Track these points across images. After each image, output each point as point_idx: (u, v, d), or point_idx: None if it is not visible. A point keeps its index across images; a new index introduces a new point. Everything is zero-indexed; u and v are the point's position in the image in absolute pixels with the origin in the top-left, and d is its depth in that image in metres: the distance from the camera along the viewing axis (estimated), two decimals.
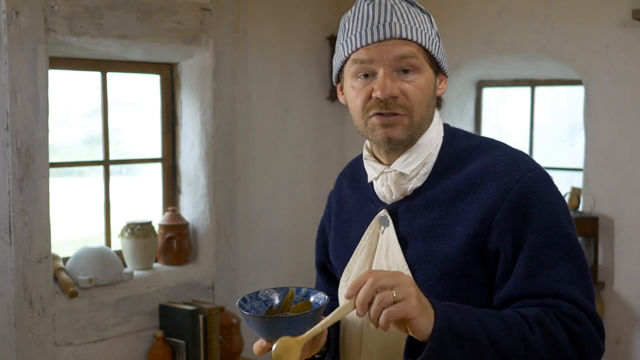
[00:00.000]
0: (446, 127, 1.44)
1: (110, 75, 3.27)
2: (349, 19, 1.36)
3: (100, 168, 3.28)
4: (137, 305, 3.17)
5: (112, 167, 3.31)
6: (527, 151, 4.00)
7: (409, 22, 1.32)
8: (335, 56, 1.41)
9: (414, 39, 1.31)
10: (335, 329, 1.46)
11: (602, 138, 3.43)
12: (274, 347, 1.18)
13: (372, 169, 1.42)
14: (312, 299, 1.36)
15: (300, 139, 3.86)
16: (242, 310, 1.29)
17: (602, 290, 3.47)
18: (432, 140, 1.38)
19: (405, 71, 1.32)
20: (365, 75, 1.33)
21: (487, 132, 4.25)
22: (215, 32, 3.34)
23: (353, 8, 1.37)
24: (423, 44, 1.32)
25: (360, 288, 1.16)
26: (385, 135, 1.33)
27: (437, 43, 1.36)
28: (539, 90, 4.06)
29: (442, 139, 1.40)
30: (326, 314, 1.40)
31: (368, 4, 1.34)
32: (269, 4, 3.65)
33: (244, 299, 1.34)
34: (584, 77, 3.47)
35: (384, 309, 1.14)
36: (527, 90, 4.08)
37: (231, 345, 3.28)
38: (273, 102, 3.72)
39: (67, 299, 2.92)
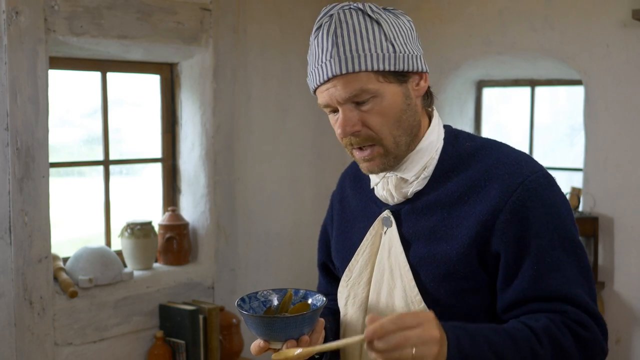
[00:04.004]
0: (448, 128, 1.43)
1: (110, 75, 3.27)
2: (308, 52, 1.36)
3: (100, 168, 3.28)
4: (137, 305, 3.17)
5: (112, 167, 3.31)
6: (527, 151, 4.00)
7: (351, 51, 1.27)
8: None
9: (356, 69, 1.27)
10: (332, 332, 1.46)
11: (602, 138, 3.43)
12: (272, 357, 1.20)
13: (373, 174, 1.42)
14: (310, 300, 1.36)
15: (300, 139, 3.86)
16: (240, 310, 1.29)
17: (602, 290, 3.47)
18: (432, 144, 1.37)
19: (363, 101, 1.29)
20: (333, 111, 1.34)
21: (487, 132, 4.25)
22: (215, 32, 3.34)
23: (310, 38, 1.35)
24: (370, 69, 1.27)
25: (383, 332, 1.09)
26: (367, 169, 1.36)
27: (391, 55, 1.29)
28: (539, 90, 4.06)
29: (442, 141, 1.39)
30: (324, 315, 1.40)
31: (315, 38, 1.32)
32: (269, 4, 3.65)
33: (242, 299, 1.34)
34: (584, 77, 3.47)
35: None
36: (527, 90, 4.08)
37: (231, 345, 3.28)
38: (273, 102, 3.72)
39: (67, 299, 2.92)
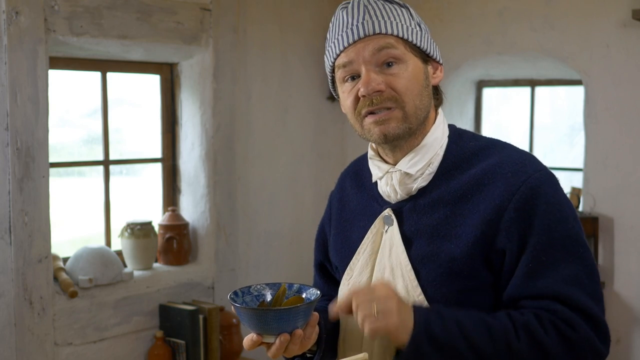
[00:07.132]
0: (452, 127, 1.43)
1: (110, 75, 3.27)
2: (330, 29, 1.39)
3: (100, 168, 3.28)
4: (137, 305, 3.17)
5: (112, 167, 3.31)
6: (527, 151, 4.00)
7: (382, 18, 1.32)
8: (326, 67, 1.42)
9: (389, 31, 1.31)
10: (326, 330, 1.45)
11: (602, 138, 3.43)
12: None
13: (377, 169, 1.42)
14: (304, 294, 1.35)
15: (300, 139, 3.86)
16: (233, 303, 1.28)
17: (602, 290, 3.46)
18: (437, 140, 1.38)
19: (389, 64, 1.32)
20: (352, 78, 1.34)
21: (487, 132, 4.25)
22: (215, 32, 3.34)
23: (333, 19, 1.39)
24: (399, 35, 1.32)
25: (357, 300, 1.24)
26: (381, 132, 1.33)
27: (418, 32, 1.35)
28: (539, 90, 4.06)
29: (447, 139, 1.40)
30: (317, 309, 1.39)
31: (342, 11, 1.36)
32: (269, 4, 3.65)
33: (235, 293, 1.32)
34: (584, 77, 3.47)
35: (365, 320, 1.20)
36: (527, 90, 4.08)
37: (231, 345, 3.27)
38: (273, 102, 3.72)
39: (67, 299, 2.92)
